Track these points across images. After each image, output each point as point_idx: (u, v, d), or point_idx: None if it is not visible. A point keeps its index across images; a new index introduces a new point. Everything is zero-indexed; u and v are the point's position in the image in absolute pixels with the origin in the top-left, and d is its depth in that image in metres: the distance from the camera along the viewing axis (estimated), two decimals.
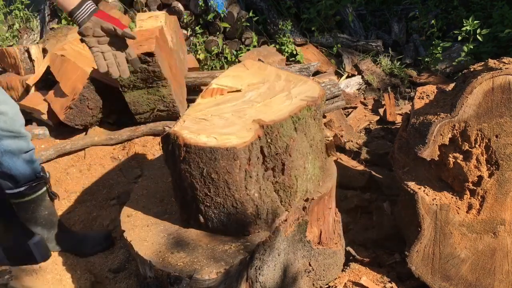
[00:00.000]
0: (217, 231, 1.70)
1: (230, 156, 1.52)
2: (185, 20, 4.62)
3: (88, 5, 1.76)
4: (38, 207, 2.22)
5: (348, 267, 2.26)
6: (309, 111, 1.77)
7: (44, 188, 2.21)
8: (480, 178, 1.95)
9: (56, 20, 4.75)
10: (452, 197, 2.01)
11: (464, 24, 4.22)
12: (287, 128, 1.65)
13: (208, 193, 1.61)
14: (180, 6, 4.62)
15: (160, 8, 4.62)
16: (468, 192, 1.99)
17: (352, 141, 3.42)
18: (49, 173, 2.26)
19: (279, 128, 1.62)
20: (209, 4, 4.57)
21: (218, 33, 4.71)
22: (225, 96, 1.92)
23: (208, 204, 1.64)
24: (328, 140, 3.43)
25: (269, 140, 1.61)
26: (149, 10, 4.56)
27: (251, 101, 1.84)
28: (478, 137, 1.90)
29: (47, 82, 3.72)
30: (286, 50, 4.61)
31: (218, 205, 1.63)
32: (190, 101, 3.52)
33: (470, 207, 2.00)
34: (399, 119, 3.76)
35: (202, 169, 1.57)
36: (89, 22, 1.76)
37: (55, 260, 2.34)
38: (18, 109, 2.07)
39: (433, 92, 2.29)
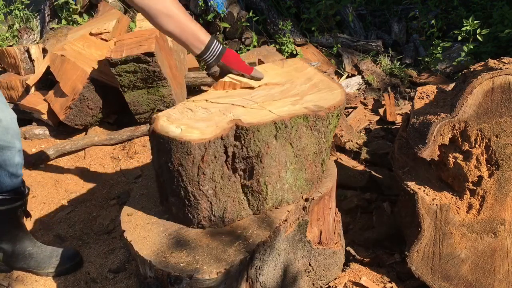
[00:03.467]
0: (178, 218, 1.75)
1: (184, 150, 1.54)
2: None
3: (214, 48, 1.82)
4: (6, 221, 2.10)
5: (348, 267, 2.26)
6: (305, 120, 1.69)
7: (19, 203, 2.09)
8: (480, 178, 1.95)
9: (56, 20, 4.75)
10: (452, 197, 2.01)
11: (464, 24, 4.22)
12: (264, 133, 1.60)
13: (168, 180, 1.67)
14: None
15: None
16: (468, 192, 1.99)
17: (352, 141, 3.42)
18: (28, 188, 2.16)
19: (254, 132, 1.58)
20: (209, 4, 4.57)
21: (218, 33, 4.71)
22: (235, 91, 1.91)
23: (170, 190, 1.69)
24: None
25: (242, 142, 1.59)
26: None
27: (252, 100, 1.82)
28: (478, 137, 1.90)
29: (47, 82, 3.72)
30: (286, 50, 4.60)
31: (176, 193, 1.67)
32: None
33: (470, 207, 2.00)
34: (399, 119, 3.76)
35: (161, 157, 1.63)
36: (217, 66, 1.84)
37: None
38: (14, 118, 1.98)
39: (433, 92, 2.28)
